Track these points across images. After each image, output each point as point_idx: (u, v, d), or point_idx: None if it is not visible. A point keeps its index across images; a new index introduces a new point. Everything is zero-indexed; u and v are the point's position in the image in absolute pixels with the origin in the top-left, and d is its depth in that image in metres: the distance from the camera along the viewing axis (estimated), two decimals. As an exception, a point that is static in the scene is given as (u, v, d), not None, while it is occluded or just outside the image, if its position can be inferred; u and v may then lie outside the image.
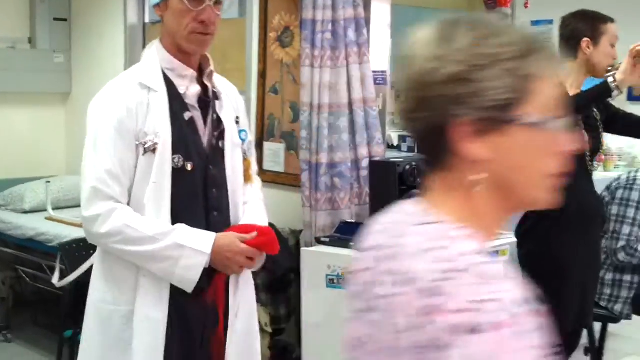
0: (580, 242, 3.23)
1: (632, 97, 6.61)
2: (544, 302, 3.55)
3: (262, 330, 3.85)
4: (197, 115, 2.18)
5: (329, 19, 3.96)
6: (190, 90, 2.17)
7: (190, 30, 2.12)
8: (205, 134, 2.19)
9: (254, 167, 2.40)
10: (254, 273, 4.02)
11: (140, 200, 2.07)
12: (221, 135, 2.22)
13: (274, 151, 4.61)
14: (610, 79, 2.93)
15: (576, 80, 3.20)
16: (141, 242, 2.00)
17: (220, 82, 2.27)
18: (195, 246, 2.02)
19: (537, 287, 3.53)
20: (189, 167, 2.12)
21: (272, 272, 4.12)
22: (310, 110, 4.04)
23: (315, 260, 3.60)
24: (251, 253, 2.07)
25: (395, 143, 6.20)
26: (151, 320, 2.09)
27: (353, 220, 3.98)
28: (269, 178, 4.65)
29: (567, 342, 3.35)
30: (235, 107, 2.30)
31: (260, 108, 4.67)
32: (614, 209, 3.87)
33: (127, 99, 2.07)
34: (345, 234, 3.74)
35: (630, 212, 3.83)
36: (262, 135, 4.68)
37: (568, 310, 3.20)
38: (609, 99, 3.07)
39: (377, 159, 4.05)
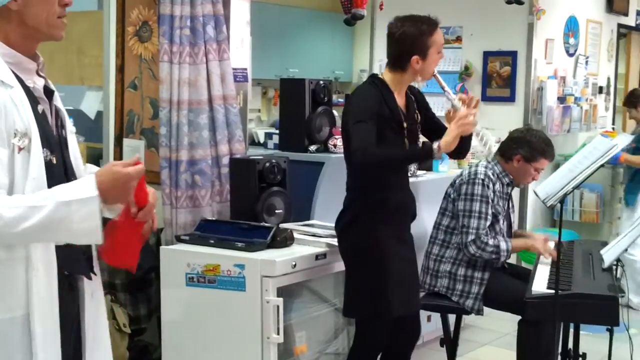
0: (395, 235, 3.42)
1: (485, 98, 6.91)
2: (370, 290, 3.73)
3: (120, 331, 3.78)
4: (46, 107, 2.14)
5: (187, 14, 3.91)
6: (37, 83, 2.13)
7: (58, 15, 2.09)
8: (52, 125, 2.15)
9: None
10: (112, 273, 3.97)
11: None
12: (62, 125, 2.20)
13: (134, 148, 4.51)
14: (435, 145, 3.25)
15: (404, 89, 3.47)
16: (26, 217, 1.91)
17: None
18: (80, 195, 1.93)
19: (361, 277, 3.72)
20: (54, 159, 2.09)
21: (131, 271, 4.04)
22: (169, 107, 3.98)
23: (175, 259, 3.56)
24: (137, 172, 1.98)
25: (262, 140, 6.21)
26: (48, 319, 2.05)
27: (214, 218, 3.95)
28: (129, 175, 4.56)
29: (394, 328, 3.49)
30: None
31: (119, 104, 4.56)
32: (461, 205, 4.01)
33: None
34: (205, 231, 3.72)
35: (476, 206, 3.97)
36: (122, 131, 4.57)
37: (393, 297, 3.35)
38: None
39: (237, 156, 4.04)
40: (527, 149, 4.06)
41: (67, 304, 2.13)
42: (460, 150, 3.45)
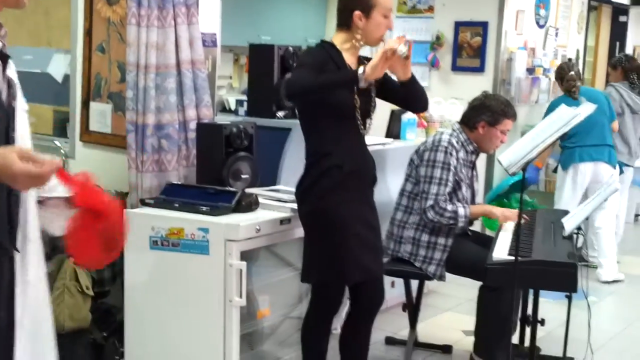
0: (355, 199, 3.39)
1: (455, 68, 6.94)
2: (328, 256, 3.71)
3: (83, 293, 3.79)
4: None
5: (156, -23, 3.89)
6: None
7: None
8: (3, 88, 2.12)
9: None
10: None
11: None
12: (14, 96, 2.15)
13: (101, 112, 4.50)
14: (360, 70, 3.15)
15: (352, 49, 3.39)
16: None
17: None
18: None
19: (319, 242, 3.71)
20: None
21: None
22: (136, 71, 3.96)
23: (139, 222, 3.56)
24: (31, 174, 1.85)
25: (233, 107, 6.20)
26: None
27: (180, 182, 3.96)
28: (95, 139, 4.55)
29: (355, 293, 3.52)
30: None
31: (87, 67, 4.53)
32: (422, 171, 4.05)
33: None
34: (170, 195, 3.73)
35: (437, 172, 4.02)
36: (89, 95, 4.55)
37: (351, 263, 3.35)
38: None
39: (204, 121, 4.04)
40: (489, 113, 4.11)
41: None
42: (411, 95, 3.44)
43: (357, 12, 3.32)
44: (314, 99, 3.32)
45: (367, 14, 3.32)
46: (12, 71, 2.18)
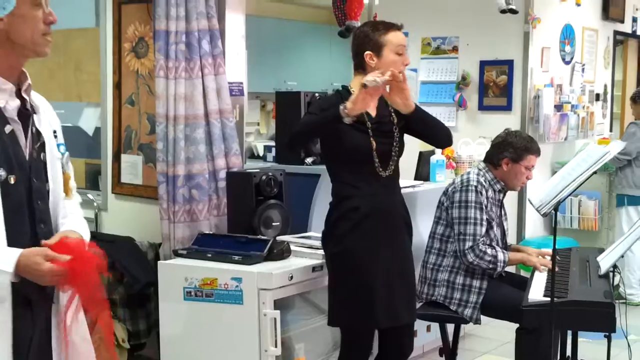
0: (377, 243, 3.35)
1: (482, 107, 6.94)
2: (347, 299, 3.65)
3: (119, 346, 3.80)
4: (17, 128, 2.16)
5: (182, 30, 3.95)
6: (9, 103, 2.15)
7: (43, 32, 2.13)
8: (26, 146, 2.18)
9: (73, 182, 2.41)
10: (110, 288, 3.99)
11: None
12: (42, 148, 2.22)
13: (132, 163, 4.55)
14: (342, 107, 3.15)
15: None
16: None
17: (36, 97, 2.27)
18: None
19: (339, 285, 3.63)
20: (12, 180, 2.11)
21: (130, 286, 4.06)
22: (166, 122, 4.01)
23: (173, 273, 3.58)
24: (57, 273, 2.01)
25: (261, 153, 6.25)
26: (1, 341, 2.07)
27: (211, 232, 3.97)
28: (127, 191, 4.59)
29: (383, 339, 3.49)
30: (51, 121, 2.30)
31: (117, 120, 4.60)
32: (455, 212, 4.03)
33: None
34: (203, 245, 3.74)
35: (471, 212, 3.99)
36: (120, 147, 4.61)
37: (376, 307, 3.32)
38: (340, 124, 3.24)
39: (234, 170, 4.06)
40: (512, 150, 4.10)
41: (21, 325, 2.12)
42: (423, 129, 3.42)
43: (367, 53, 3.34)
44: (307, 142, 3.37)
45: (377, 54, 3.32)
46: (42, 123, 2.24)
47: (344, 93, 3.40)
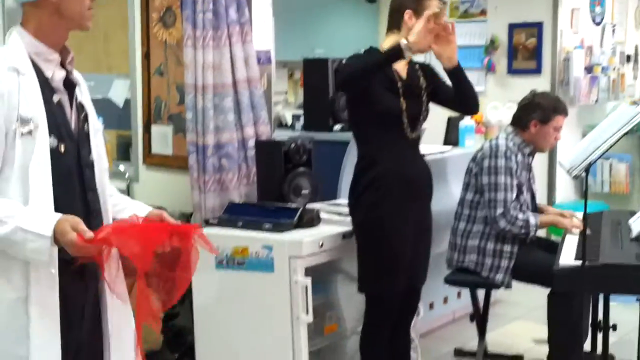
0: (405, 207, 3.36)
1: (511, 70, 6.87)
2: (379, 266, 3.66)
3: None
4: (64, 98, 2.22)
5: (209, -2, 3.94)
6: (56, 74, 2.21)
7: (88, 7, 2.21)
8: (72, 117, 2.24)
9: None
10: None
11: (24, 181, 2.09)
12: (85, 119, 2.28)
13: (162, 134, 4.58)
14: (403, 41, 3.11)
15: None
16: None
17: (75, 71, 2.33)
18: (37, 229, 2.03)
19: (371, 252, 3.66)
20: (62, 148, 2.17)
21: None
22: (194, 92, 4.01)
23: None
24: (79, 246, 2.02)
25: (290, 122, 6.24)
26: (48, 305, 2.12)
27: (241, 201, 4.00)
28: (158, 161, 4.62)
29: (405, 300, 3.51)
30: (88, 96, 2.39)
31: (146, 90, 4.62)
32: (485, 179, 4.01)
33: None
34: (233, 214, 3.76)
35: (501, 179, 3.98)
36: (149, 118, 4.63)
37: (397, 274, 3.36)
38: (402, 59, 3.22)
39: (263, 138, 4.07)
40: (539, 111, 4.07)
41: (74, 291, 2.19)
42: (460, 88, 3.40)
43: (408, 11, 3.31)
44: (365, 80, 3.26)
45: (418, 15, 3.29)
46: (84, 95, 2.31)
47: (374, 52, 3.37)
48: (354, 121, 3.48)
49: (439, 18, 3.16)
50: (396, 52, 3.15)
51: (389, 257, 3.35)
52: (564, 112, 4.12)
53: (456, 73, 3.34)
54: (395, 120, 3.35)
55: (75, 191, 2.21)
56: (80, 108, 2.27)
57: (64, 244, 2.02)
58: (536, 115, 4.07)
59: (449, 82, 3.46)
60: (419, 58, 3.56)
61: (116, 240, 2.03)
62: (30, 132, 2.09)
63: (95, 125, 2.32)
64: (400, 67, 3.38)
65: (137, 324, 2.24)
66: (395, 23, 3.39)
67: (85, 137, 2.27)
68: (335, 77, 3.40)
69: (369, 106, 3.32)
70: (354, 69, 3.26)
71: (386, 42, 3.40)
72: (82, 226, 2.03)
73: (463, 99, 3.47)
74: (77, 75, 2.33)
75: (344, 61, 3.51)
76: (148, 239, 2.08)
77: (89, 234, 2.01)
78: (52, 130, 2.13)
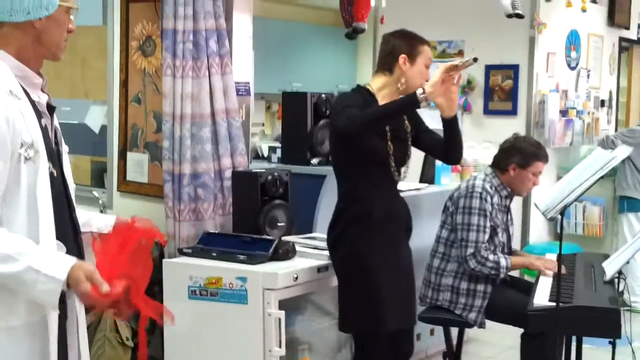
0: (388, 246, 3.39)
1: (487, 111, 6.93)
2: (363, 304, 3.64)
3: (123, 344, 3.79)
4: (48, 122, 2.22)
5: (190, 29, 3.95)
6: (41, 98, 2.22)
7: (65, 39, 2.24)
8: (52, 140, 2.23)
9: None
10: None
11: (31, 207, 2.08)
12: (59, 141, 2.29)
13: (138, 161, 4.54)
14: (419, 91, 3.11)
15: (389, 95, 3.39)
16: None
17: None
18: (50, 272, 1.99)
19: (352, 292, 3.64)
20: (55, 173, 2.18)
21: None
22: (172, 121, 4.01)
23: (177, 272, 3.57)
24: (88, 297, 2.00)
25: (266, 154, 6.23)
26: (55, 325, 2.12)
27: (217, 231, 3.97)
28: (133, 188, 4.58)
29: (391, 341, 3.47)
30: None
31: (123, 117, 4.59)
32: (459, 218, 4.02)
33: (4, 110, 2.04)
34: (207, 244, 3.74)
35: (474, 219, 3.98)
36: (125, 145, 4.60)
37: (383, 313, 3.33)
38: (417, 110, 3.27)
39: (239, 169, 4.06)
40: (519, 156, 4.08)
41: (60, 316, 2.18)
42: (451, 139, 3.38)
43: (403, 56, 3.34)
44: (378, 128, 3.27)
45: (412, 60, 3.34)
46: (56, 119, 2.31)
47: (363, 92, 3.41)
48: (339, 159, 3.48)
49: (457, 70, 3.16)
50: (412, 102, 3.14)
51: (376, 291, 3.32)
52: (544, 158, 4.14)
53: (453, 123, 3.34)
54: (383, 162, 3.37)
55: (66, 213, 2.22)
56: (56, 131, 2.28)
57: (77, 293, 2.01)
58: (516, 159, 4.08)
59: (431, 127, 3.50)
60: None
61: (135, 297, 2.10)
62: (33, 158, 2.08)
63: (64, 147, 2.34)
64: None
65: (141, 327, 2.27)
66: (387, 65, 3.41)
67: (61, 159, 2.28)
68: (334, 121, 3.36)
69: (358, 147, 3.32)
70: (370, 117, 3.23)
71: (374, 82, 3.43)
72: (97, 276, 1.99)
73: (451, 149, 3.46)
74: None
75: (327, 111, 3.49)
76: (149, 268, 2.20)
77: (105, 287, 1.97)
78: (47, 155, 2.14)
